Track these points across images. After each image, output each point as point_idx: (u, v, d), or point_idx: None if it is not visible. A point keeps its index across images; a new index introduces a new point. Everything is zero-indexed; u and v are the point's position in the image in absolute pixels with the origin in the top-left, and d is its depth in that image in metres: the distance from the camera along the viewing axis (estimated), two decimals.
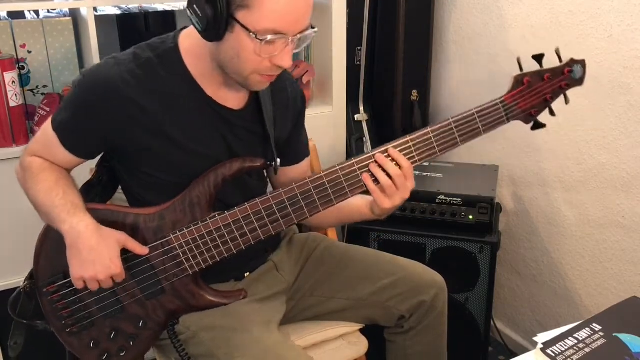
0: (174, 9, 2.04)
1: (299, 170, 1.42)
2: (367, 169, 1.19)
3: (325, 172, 1.20)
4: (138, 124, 1.17)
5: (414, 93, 2.22)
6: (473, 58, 2.11)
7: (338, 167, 1.20)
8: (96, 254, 1.14)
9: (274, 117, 1.31)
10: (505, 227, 2.12)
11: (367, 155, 1.20)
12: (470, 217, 1.79)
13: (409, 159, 1.19)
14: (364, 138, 2.27)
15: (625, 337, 1.04)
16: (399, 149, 1.19)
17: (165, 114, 1.18)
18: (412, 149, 1.20)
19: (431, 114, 2.32)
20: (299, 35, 1.09)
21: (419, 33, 2.16)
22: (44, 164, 1.24)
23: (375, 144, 2.28)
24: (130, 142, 1.19)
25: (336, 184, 1.20)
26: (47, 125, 1.22)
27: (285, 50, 1.10)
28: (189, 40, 1.19)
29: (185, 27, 1.23)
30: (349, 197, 1.21)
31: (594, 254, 1.83)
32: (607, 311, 1.12)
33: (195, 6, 1.07)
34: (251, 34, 1.06)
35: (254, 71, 1.12)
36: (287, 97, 1.35)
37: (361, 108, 2.28)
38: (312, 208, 1.21)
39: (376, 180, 1.19)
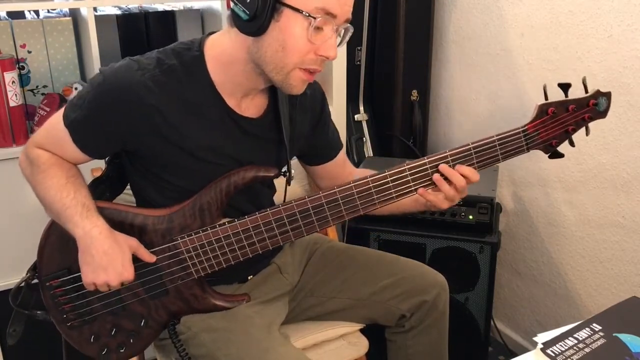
0: (174, 9, 2.04)
1: (336, 164, 1.43)
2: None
3: (339, 189, 1.20)
4: (157, 131, 1.15)
5: (414, 93, 2.22)
6: (473, 58, 2.11)
7: (352, 184, 1.20)
8: (109, 259, 1.13)
9: (292, 122, 1.30)
10: (505, 227, 2.12)
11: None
12: (470, 217, 1.79)
13: (424, 180, 1.20)
14: (364, 138, 2.27)
15: (625, 337, 1.04)
16: (415, 169, 1.19)
17: (185, 123, 1.17)
18: (429, 171, 1.19)
19: (431, 114, 2.33)
20: (344, 25, 1.10)
21: (419, 33, 2.16)
22: (51, 158, 1.21)
23: (375, 144, 2.28)
24: (146, 147, 1.18)
25: (349, 200, 1.20)
26: (58, 120, 1.19)
27: (332, 40, 1.09)
28: (216, 48, 1.17)
29: (211, 33, 1.20)
30: (360, 214, 1.22)
31: (594, 254, 1.84)
32: (607, 311, 1.12)
33: None
34: (304, 12, 1.04)
35: (298, 64, 1.10)
36: (306, 100, 1.33)
37: (361, 108, 2.28)
38: (323, 222, 1.21)
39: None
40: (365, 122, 2.28)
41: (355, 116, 2.26)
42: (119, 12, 1.99)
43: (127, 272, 1.16)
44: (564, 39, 1.77)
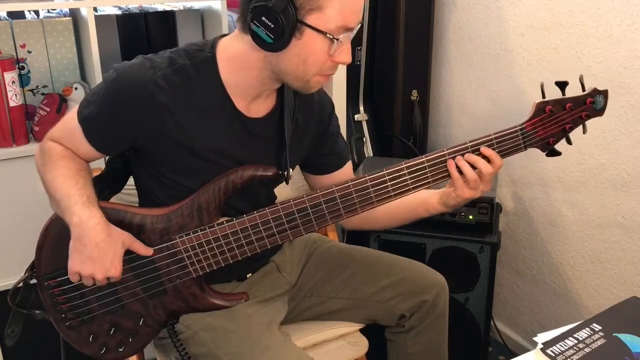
0: (174, 9, 2.04)
1: (343, 174, 1.42)
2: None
3: (337, 188, 1.20)
4: (166, 130, 1.16)
5: (414, 93, 2.22)
6: (473, 58, 2.11)
7: (350, 183, 1.20)
8: (100, 252, 1.13)
9: (297, 125, 1.30)
10: (505, 227, 2.12)
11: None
12: (470, 217, 1.79)
13: (422, 179, 1.19)
14: (364, 138, 2.27)
15: (625, 337, 1.04)
16: (412, 168, 1.19)
17: (195, 123, 1.17)
18: (427, 169, 1.19)
19: (431, 114, 2.33)
20: (356, 29, 1.12)
21: (419, 33, 2.16)
22: (64, 151, 1.22)
23: (375, 144, 2.28)
24: (154, 145, 1.18)
25: (347, 199, 1.20)
26: (72, 116, 1.20)
27: (347, 46, 1.11)
28: (229, 51, 1.17)
29: (224, 35, 1.21)
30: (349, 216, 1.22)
31: (594, 254, 1.83)
32: (607, 311, 1.12)
33: (264, 19, 1.05)
34: (327, 35, 1.06)
35: (317, 72, 1.13)
36: (313, 103, 1.33)
37: (361, 108, 2.28)
38: (321, 221, 1.21)
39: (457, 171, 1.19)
40: (365, 122, 2.28)
41: (355, 116, 2.26)
42: (119, 12, 1.99)
43: (115, 269, 1.15)
44: (564, 39, 1.77)
